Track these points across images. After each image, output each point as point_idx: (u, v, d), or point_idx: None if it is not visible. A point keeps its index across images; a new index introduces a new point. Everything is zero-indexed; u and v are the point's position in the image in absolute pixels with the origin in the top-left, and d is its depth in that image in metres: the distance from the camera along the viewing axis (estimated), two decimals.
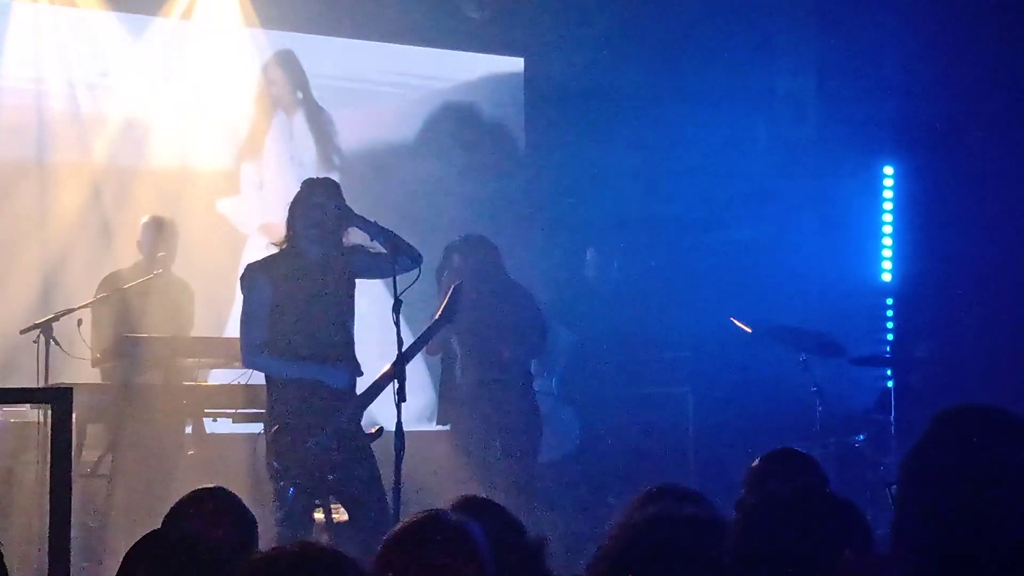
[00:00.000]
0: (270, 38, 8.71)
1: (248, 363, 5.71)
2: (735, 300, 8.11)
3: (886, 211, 9.11)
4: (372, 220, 5.52)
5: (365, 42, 8.96)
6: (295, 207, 5.58)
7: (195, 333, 7.44)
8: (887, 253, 9.09)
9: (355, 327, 5.67)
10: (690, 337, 8.53)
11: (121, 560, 2.67)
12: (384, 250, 5.50)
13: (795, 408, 7.55)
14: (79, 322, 6.93)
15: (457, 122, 9.21)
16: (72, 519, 3.41)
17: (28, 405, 6.73)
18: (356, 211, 5.58)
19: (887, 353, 8.89)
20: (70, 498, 3.41)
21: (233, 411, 6.85)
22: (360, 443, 5.56)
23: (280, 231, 5.71)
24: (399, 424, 5.19)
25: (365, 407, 5.63)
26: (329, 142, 8.85)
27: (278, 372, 5.50)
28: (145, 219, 7.53)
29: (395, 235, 5.53)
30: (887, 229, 9.10)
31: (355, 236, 5.65)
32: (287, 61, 8.82)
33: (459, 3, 8.81)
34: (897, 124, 8.76)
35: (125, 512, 6.32)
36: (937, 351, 8.34)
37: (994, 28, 7.80)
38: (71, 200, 8.13)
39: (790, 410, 7.56)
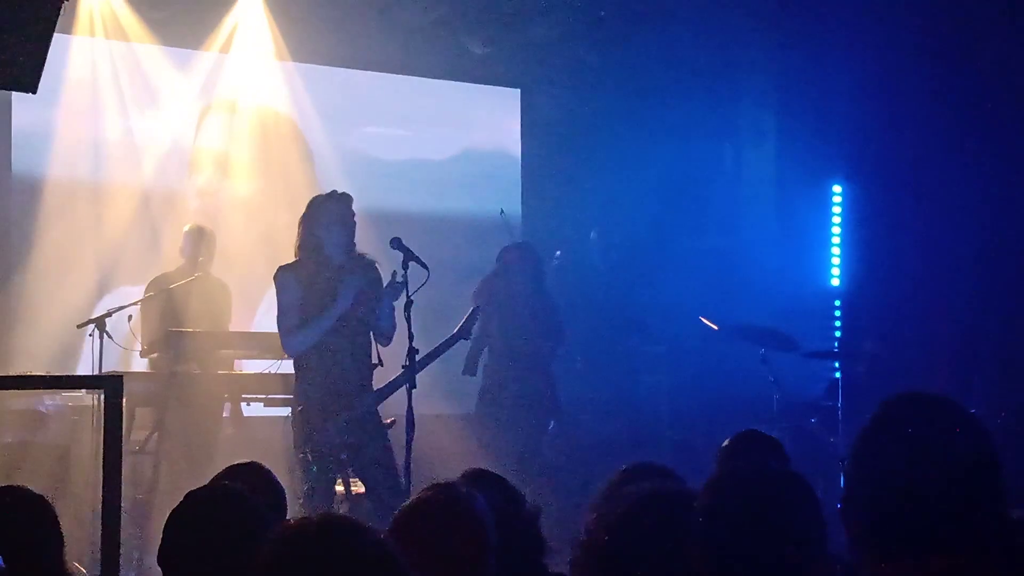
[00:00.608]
0: (298, 69, 8.69)
1: (287, 345, 5.57)
2: (704, 301, 8.12)
3: (835, 224, 9.11)
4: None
5: (379, 74, 8.94)
6: (321, 217, 5.56)
7: (232, 328, 7.43)
8: (836, 261, 9.09)
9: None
10: (665, 333, 8.54)
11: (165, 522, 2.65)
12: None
13: (755, 395, 7.55)
14: (129, 318, 6.92)
15: (459, 148, 9.20)
16: (122, 491, 3.39)
17: (84, 391, 6.72)
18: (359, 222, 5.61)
19: (835, 348, 8.88)
20: (120, 473, 3.39)
21: (264, 396, 6.84)
22: (376, 428, 5.54)
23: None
24: (410, 408, 5.18)
25: (381, 401, 5.62)
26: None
27: (314, 337, 5.44)
28: (187, 228, 7.51)
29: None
30: (836, 240, 9.11)
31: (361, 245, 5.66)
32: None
33: (465, 41, 8.80)
34: (845, 150, 8.80)
35: (169, 485, 6.31)
36: (879, 346, 8.34)
37: (926, 71, 7.88)
38: (123, 212, 8.11)
39: (751, 397, 7.56)
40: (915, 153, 8.10)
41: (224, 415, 7.06)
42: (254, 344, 7.00)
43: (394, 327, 5.57)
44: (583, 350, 8.25)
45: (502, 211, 8.00)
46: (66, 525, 3.03)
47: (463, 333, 5.96)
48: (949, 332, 7.68)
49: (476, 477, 2.90)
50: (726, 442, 3.62)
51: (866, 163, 8.70)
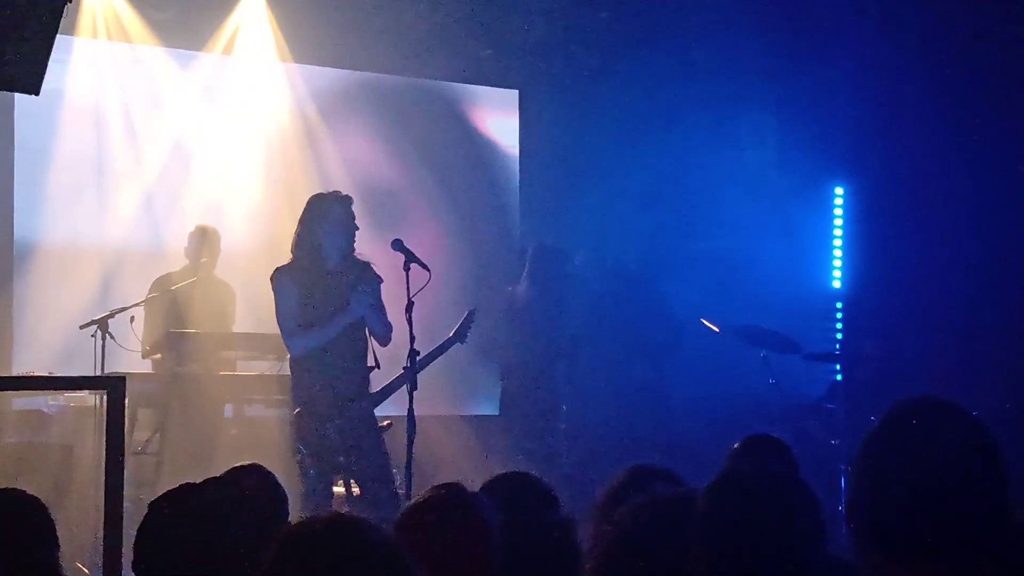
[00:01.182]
0: (300, 70, 8.68)
1: (290, 346, 5.53)
2: (706, 303, 8.11)
3: (836, 227, 9.10)
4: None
5: (380, 75, 8.94)
6: (322, 219, 5.53)
7: (235, 330, 7.41)
8: (837, 263, 9.08)
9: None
10: (666, 334, 8.50)
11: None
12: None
13: (757, 397, 7.54)
14: (132, 319, 6.91)
15: (460, 147, 9.19)
16: (124, 492, 3.38)
17: (87, 391, 6.71)
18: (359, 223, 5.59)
19: (836, 350, 8.87)
20: (122, 473, 3.38)
21: (265, 397, 6.83)
22: (372, 430, 5.53)
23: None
24: (411, 410, 5.17)
25: (379, 403, 5.61)
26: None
27: (319, 341, 5.42)
28: (191, 229, 7.51)
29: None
30: (837, 242, 9.10)
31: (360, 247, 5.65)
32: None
33: (465, 43, 8.79)
34: (846, 153, 8.79)
35: (171, 486, 6.27)
36: (880, 348, 8.33)
37: (927, 73, 7.88)
38: (126, 212, 8.10)
39: (752, 398, 7.55)
40: (916, 155, 8.10)
41: (226, 415, 7.04)
42: (257, 345, 6.98)
43: (390, 326, 5.54)
44: (583, 352, 8.23)
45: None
46: (69, 525, 3.02)
47: (458, 337, 5.96)
48: (950, 334, 7.67)
49: (508, 480, 2.85)
50: (736, 445, 3.62)
51: (867, 165, 8.69)
